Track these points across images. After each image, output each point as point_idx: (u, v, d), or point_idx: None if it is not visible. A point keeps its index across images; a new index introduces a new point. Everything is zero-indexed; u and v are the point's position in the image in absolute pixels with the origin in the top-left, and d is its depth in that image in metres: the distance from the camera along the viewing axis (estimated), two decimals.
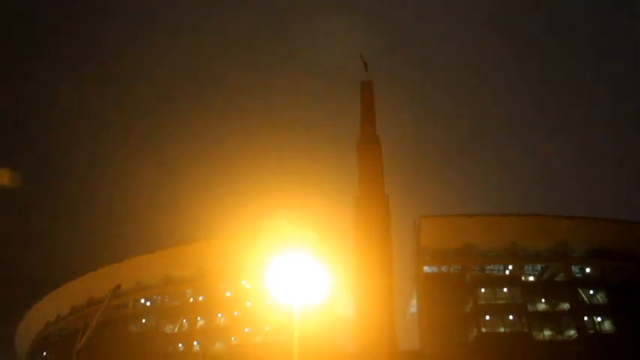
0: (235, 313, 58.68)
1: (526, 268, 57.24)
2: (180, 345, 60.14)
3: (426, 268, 55.13)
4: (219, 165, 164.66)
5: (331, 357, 14.01)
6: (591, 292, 55.68)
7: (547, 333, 53.50)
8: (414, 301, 56.59)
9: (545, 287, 56.21)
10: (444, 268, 55.83)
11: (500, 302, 54.64)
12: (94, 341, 44.74)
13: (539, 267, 57.45)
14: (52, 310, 76.75)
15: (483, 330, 52.53)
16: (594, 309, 54.87)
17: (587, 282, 56.45)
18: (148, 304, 66.70)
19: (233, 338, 55.17)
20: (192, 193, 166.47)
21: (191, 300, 62.99)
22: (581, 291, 55.28)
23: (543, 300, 55.61)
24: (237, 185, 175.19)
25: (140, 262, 63.81)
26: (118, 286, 25.48)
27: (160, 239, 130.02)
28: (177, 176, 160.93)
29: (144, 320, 65.61)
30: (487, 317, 53.56)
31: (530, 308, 54.47)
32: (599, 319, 54.26)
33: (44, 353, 76.70)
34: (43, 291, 79.72)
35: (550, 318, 54.64)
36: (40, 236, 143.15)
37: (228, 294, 60.61)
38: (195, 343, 58.25)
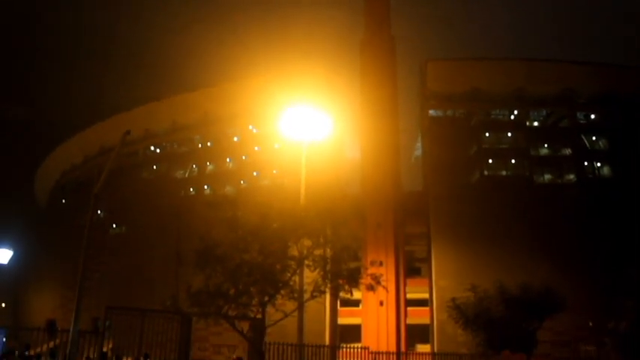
0: (243, 158, 60.01)
1: (531, 113, 57.32)
2: (191, 189, 62.29)
3: (431, 112, 55.26)
4: (225, 10, 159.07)
5: (337, 197, 14.52)
6: (594, 138, 56.29)
7: (547, 177, 54.83)
8: (418, 144, 57.50)
9: (548, 132, 56.65)
10: (449, 112, 55.98)
11: (504, 146, 55.46)
12: (109, 188, 46.47)
13: (544, 112, 57.55)
14: (66, 160, 78.59)
15: (486, 173, 53.84)
16: (595, 154, 55.76)
17: (590, 128, 56.89)
18: (158, 151, 68.07)
19: (242, 181, 56.73)
20: (199, 39, 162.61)
21: (200, 146, 64.13)
22: (583, 137, 55.89)
23: (546, 145, 56.37)
24: (244, 30, 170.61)
25: (148, 109, 64.23)
26: (128, 132, 25.85)
27: (167, 86, 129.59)
28: (184, 21, 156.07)
29: (154, 167, 67.38)
30: (490, 161, 54.65)
31: (532, 153, 55.38)
32: (598, 164, 55.44)
33: (63, 200, 79.69)
34: (55, 141, 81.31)
35: (551, 162, 55.71)
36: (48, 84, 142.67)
37: (235, 139, 61.53)
38: (205, 187, 60.25)
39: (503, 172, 54.89)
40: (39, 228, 78.97)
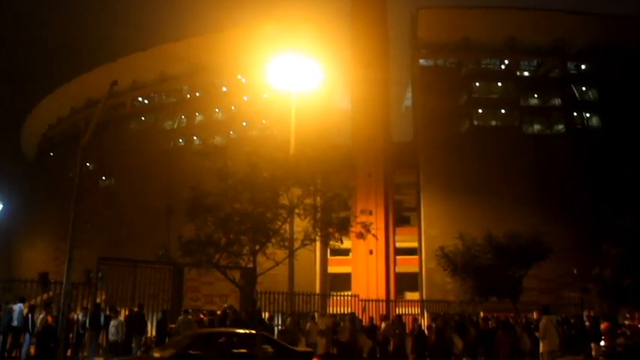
0: (232, 108, 59.66)
1: (522, 63, 57.15)
2: (180, 140, 62.03)
3: (421, 61, 54.91)
4: None
5: (327, 148, 14.44)
6: (583, 88, 56.28)
7: (537, 127, 55.08)
8: (409, 94, 57.24)
9: (538, 83, 56.63)
10: (439, 62, 55.72)
11: (494, 96, 55.44)
12: (98, 140, 46.11)
13: (535, 62, 57.40)
14: (52, 112, 77.72)
15: (476, 123, 53.93)
16: (584, 105, 55.89)
17: (580, 79, 56.85)
18: (146, 102, 67.43)
19: (231, 132, 56.54)
20: None
21: (188, 96, 63.58)
22: (573, 87, 55.85)
23: (536, 95, 56.38)
24: None
25: (135, 60, 63.12)
26: (115, 82, 25.34)
27: (154, 36, 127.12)
28: None
29: (143, 118, 66.85)
30: (480, 110, 54.69)
31: (522, 103, 55.43)
32: (588, 115, 55.62)
33: (51, 153, 79.19)
34: (40, 94, 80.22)
35: (541, 113, 55.88)
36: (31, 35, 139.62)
37: (224, 89, 61.04)
38: (194, 137, 59.98)
39: (493, 122, 55.02)
40: (28, 182, 78.74)
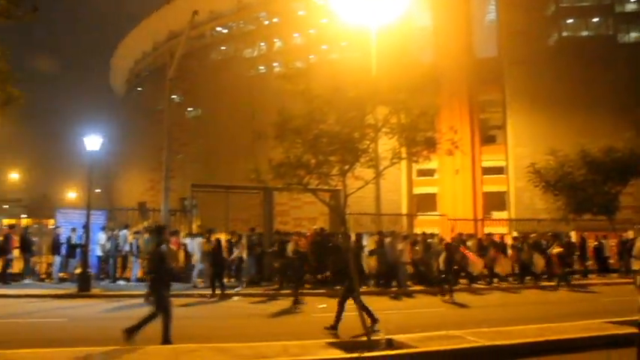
0: (311, 32, 59.11)
1: None
2: (260, 67, 62.48)
3: None
4: None
5: (408, 67, 14.10)
6: None
7: (633, 35, 51.20)
8: (491, 7, 54.20)
9: None
10: None
11: (585, 4, 51.73)
12: (182, 72, 47.16)
13: None
14: (136, 48, 79.94)
15: (565, 34, 50.83)
16: None
17: None
18: (225, 31, 67.94)
19: (311, 56, 56.16)
20: None
21: (266, 23, 63.49)
22: None
23: (632, 0, 52.14)
24: None
25: None
26: (196, 12, 25.69)
27: None
28: None
29: (223, 48, 67.59)
30: (569, 21, 51.38)
31: (617, 9, 51.47)
32: None
33: (138, 88, 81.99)
34: (124, 31, 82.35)
35: (638, 19, 51.73)
36: None
37: (301, 13, 60.37)
38: (274, 64, 60.11)
39: (584, 33, 51.52)
40: (120, 116, 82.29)
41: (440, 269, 19.63)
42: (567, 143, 21.60)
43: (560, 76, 45.81)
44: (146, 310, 10.18)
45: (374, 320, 11.66)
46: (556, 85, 45.65)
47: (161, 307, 10.01)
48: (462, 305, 17.24)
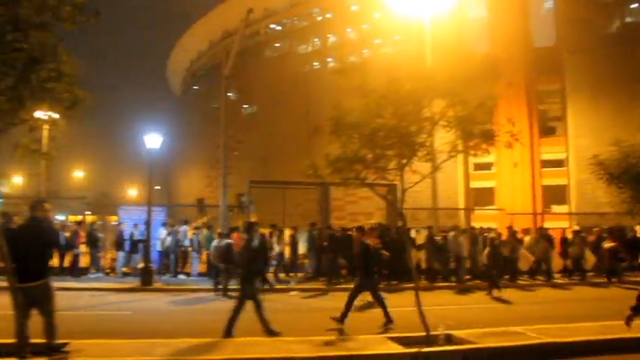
0: (364, 26, 58.94)
1: None
2: (315, 63, 62.69)
3: None
4: None
5: (463, 57, 13.83)
6: None
7: None
8: None
9: None
10: None
11: None
12: (237, 70, 47.76)
13: None
14: (192, 48, 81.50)
15: (628, 20, 48.85)
16: None
17: None
18: (279, 28, 68.49)
19: (365, 51, 56.00)
20: None
21: (319, 19, 63.68)
22: None
23: None
24: None
25: None
26: (251, 10, 25.99)
27: None
28: None
29: (277, 45, 68.16)
30: (634, 5, 49.28)
31: None
32: None
33: (195, 88, 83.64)
34: (179, 31, 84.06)
35: None
36: None
37: (354, 8, 60.26)
38: (329, 59, 60.22)
39: None
40: (177, 115, 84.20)
41: (485, 264, 19.39)
42: (631, 133, 20.87)
43: (622, 64, 44.02)
44: (209, 303, 10.44)
45: (389, 320, 11.51)
46: (618, 73, 43.91)
47: (251, 299, 10.33)
48: (506, 302, 16.78)
